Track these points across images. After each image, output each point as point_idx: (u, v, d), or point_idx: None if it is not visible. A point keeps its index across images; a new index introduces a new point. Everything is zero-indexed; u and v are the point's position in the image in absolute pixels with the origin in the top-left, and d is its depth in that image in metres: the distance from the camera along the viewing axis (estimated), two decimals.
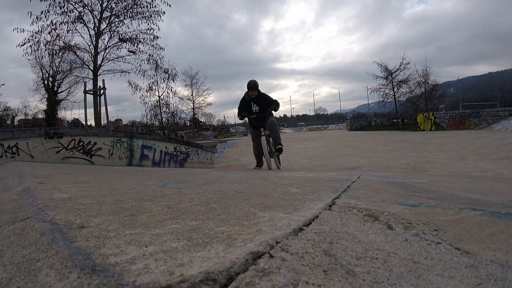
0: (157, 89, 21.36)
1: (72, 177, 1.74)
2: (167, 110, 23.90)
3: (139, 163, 6.21)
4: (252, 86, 4.75)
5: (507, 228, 0.71)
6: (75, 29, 13.17)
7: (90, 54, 13.85)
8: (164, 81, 20.54)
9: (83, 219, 0.67)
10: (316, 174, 2.89)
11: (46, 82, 20.68)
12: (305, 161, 7.10)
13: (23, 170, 2.24)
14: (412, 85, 28.96)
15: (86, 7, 13.06)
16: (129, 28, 14.28)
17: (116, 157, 5.80)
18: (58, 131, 5.17)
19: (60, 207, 0.79)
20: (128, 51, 14.53)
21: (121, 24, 14.02)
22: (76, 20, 13.06)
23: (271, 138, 4.77)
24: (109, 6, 13.56)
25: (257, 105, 4.74)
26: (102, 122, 13.93)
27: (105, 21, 13.72)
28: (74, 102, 21.53)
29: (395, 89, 29.15)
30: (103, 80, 13.98)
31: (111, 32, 14.02)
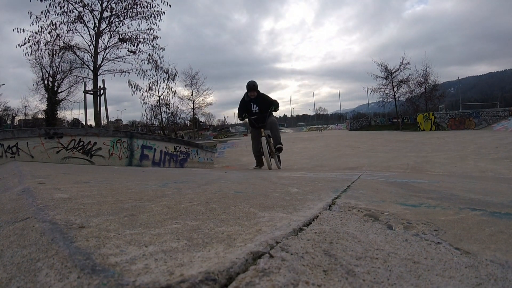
0: (157, 89, 21.35)
1: (72, 177, 1.74)
2: (167, 110, 23.89)
3: (139, 163, 6.21)
4: (252, 87, 4.79)
5: (507, 228, 0.71)
6: (75, 29, 13.17)
7: (90, 54, 13.85)
8: (164, 81, 20.53)
9: (83, 219, 0.67)
10: (316, 174, 2.89)
11: (46, 82, 20.68)
12: (305, 161, 7.10)
13: (23, 170, 2.24)
14: (412, 85, 28.97)
15: (86, 7, 13.06)
16: (129, 28, 14.28)
17: (116, 157, 5.80)
18: (58, 131, 5.17)
19: (60, 207, 0.79)
20: (128, 51, 14.53)
21: (121, 24, 14.02)
22: (76, 20, 13.06)
23: (271, 138, 4.77)
24: (109, 6, 13.56)
25: (257, 106, 4.77)
26: (102, 122, 13.93)
27: (105, 21, 13.72)
28: (74, 102, 21.53)
29: (395, 89, 29.16)
30: (103, 80, 13.98)
31: (111, 32, 14.01)
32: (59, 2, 12.59)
